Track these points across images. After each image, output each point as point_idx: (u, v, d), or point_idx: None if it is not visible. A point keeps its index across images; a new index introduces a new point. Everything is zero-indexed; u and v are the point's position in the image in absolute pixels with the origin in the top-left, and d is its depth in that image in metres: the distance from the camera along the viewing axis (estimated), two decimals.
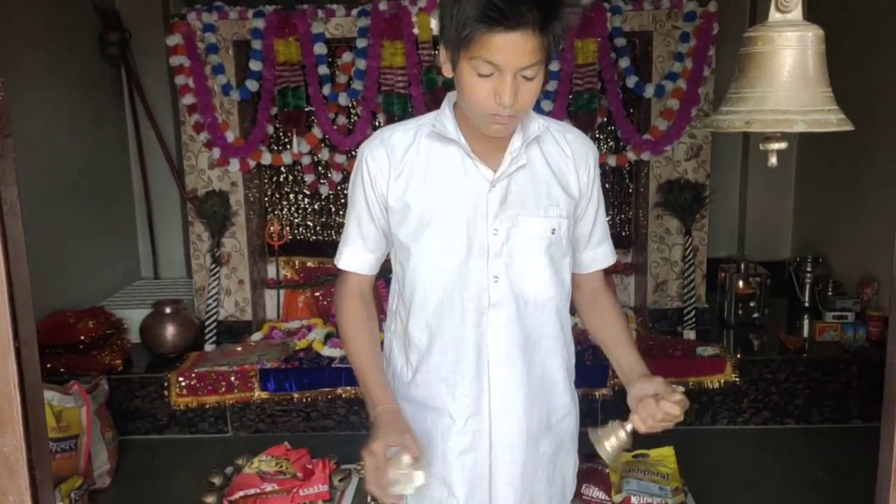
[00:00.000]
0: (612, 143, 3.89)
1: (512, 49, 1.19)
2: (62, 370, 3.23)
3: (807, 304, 3.89)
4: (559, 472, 1.55)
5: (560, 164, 1.45)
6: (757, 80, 1.01)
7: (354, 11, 3.47)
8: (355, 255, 1.49)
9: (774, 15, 1.02)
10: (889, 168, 3.49)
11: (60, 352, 3.30)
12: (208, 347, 3.57)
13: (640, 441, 1.42)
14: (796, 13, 1.01)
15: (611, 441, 1.31)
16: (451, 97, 1.43)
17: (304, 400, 3.30)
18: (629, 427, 1.31)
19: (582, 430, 1.49)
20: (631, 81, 3.53)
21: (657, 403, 1.28)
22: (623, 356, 1.46)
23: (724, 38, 3.59)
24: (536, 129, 1.41)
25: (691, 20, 3.45)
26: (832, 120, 0.98)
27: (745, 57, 1.03)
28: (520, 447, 1.45)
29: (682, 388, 1.31)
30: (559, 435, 1.52)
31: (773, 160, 1.04)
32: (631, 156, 3.61)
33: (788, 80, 0.99)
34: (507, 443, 1.45)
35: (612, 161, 3.64)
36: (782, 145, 1.03)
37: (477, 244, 1.39)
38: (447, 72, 1.31)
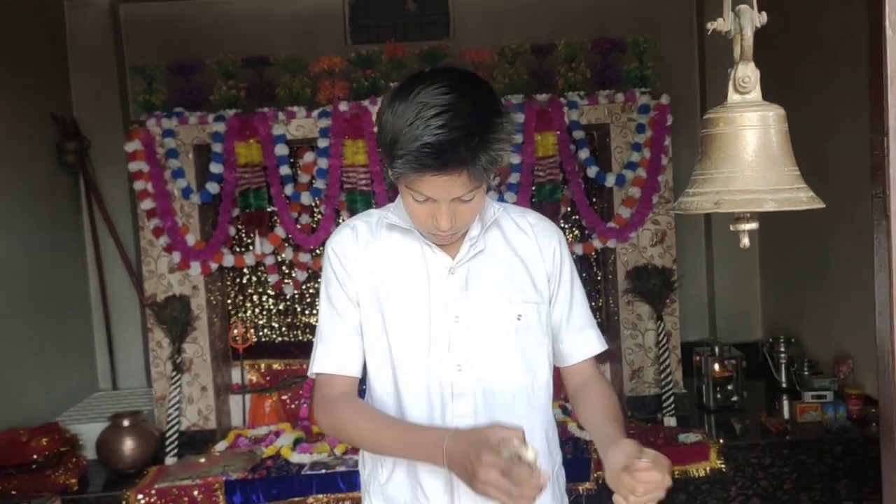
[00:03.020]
0: (577, 232, 3.91)
1: (444, 187, 1.22)
2: (13, 492, 3.03)
3: (784, 385, 3.85)
4: None
5: (523, 248, 1.42)
6: (722, 160, 1.00)
7: (315, 112, 3.51)
8: (334, 354, 1.40)
9: (733, 96, 1.02)
10: (853, 245, 3.53)
11: (12, 472, 3.10)
12: (169, 460, 3.38)
13: None
14: (755, 94, 1.01)
15: None
16: None
17: None
18: None
19: None
20: (592, 171, 3.58)
21: (630, 476, 1.15)
22: (599, 431, 1.35)
23: (678, 127, 3.69)
24: (493, 214, 1.41)
25: (646, 112, 3.54)
26: (802, 198, 0.96)
27: (708, 138, 1.02)
28: None
29: (652, 452, 1.18)
30: None
31: (746, 241, 1.02)
32: (597, 244, 3.62)
33: (754, 159, 0.98)
34: None
35: (578, 249, 3.66)
36: (753, 226, 1.01)
37: (437, 332, 1.35)
38: (396, 183, 1.32)
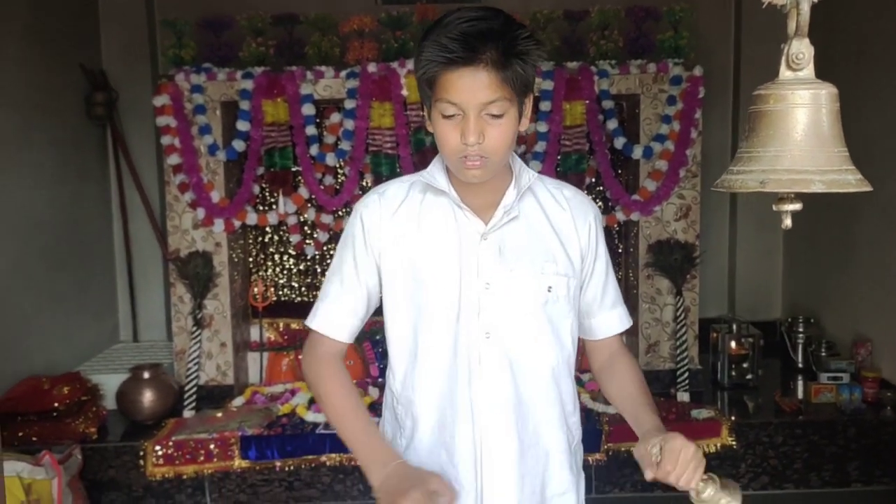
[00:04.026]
0: (601, 204, 3.88)
1: (469, 86, 1.21)
2: (34, 439, 3.09)
3: (800, 365, 3.84)
4: None
5: (558, 220, 1.41)
6: (770, 138, 0.98)
7: (343, 73, 3.48)
8: (332, 317, 1.42)
9: (785, 73, 0.99)
10: (878, 227, 3.50)
11: (33, 419, 3.16)
12: (187, 413, 3.44)
13: None
14: (808, 71, 0.98)
15: None
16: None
17: (286, 468, 3.17)
18: (709, 491, 1.19)
19: None
20: (619, 143, 3.55)
21: (678, 452, 1.20)
22: (641, 418, 1.36)
23: (709, 101, 3.63)
24: (528, 180, 1.39)
25: (677, 84, 3.49)
26: (850, 180, 0.94)
27: (756, 115, 1.00)
28: None
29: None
30: None
31: (788, 222, 1.00)
32: (620, 216, 3.60)
33: (803, 139, 0.96)
34: None
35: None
36: (797, 206, 0.99)
37: (467, 298, 1.34)
38: (430, 127, 1.32)
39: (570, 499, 1.43)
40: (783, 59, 0.99)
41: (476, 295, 1.34)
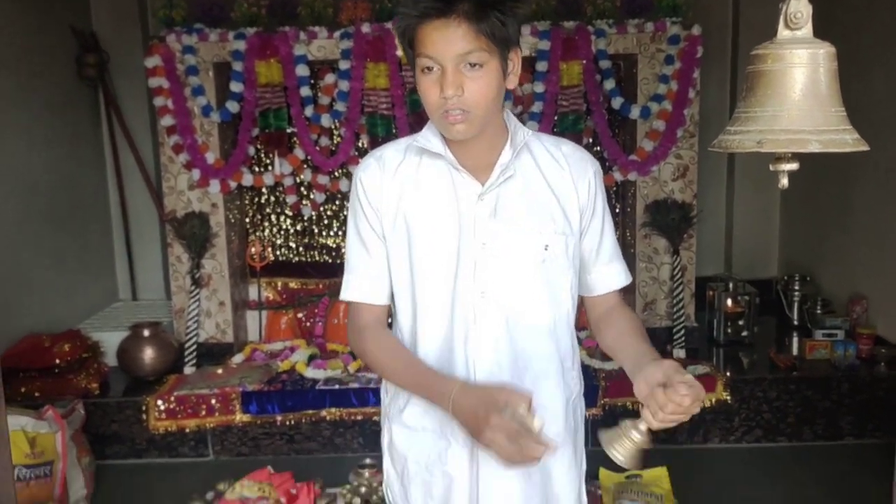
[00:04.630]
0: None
1: (444, 38, 1.22)
2: (37, 394, 3.14)
3: (796, 323, 3.88)
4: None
5: (556, 178, 1.40)
6: (767, 98, 0.98)
7: (337, 33, 3.44)
8: (363, 284, 1.42)
9: (783, 32, 0.99)
10: (877, 186, 3.50)
11: (35, 375, 3.20)
12: (188, 370, 3.48)
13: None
14: (806, 30, 0.98)
15: (623, 444, 1.19)
16: None
17: (287, 422, 3.22)
18: (642, 426, 1.18)
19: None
20: (616, 103, 3.53)
21: (665, 393, 1.16)
22: (631, 349, 1.35)
23: (707, 61, 3.60)
24: (523, 137, 1.38)
25: (675, 43, 3.46)
26: (847, 140, 0.95)
27: (754, 75, 1.00)
28: (507, 473, 1.37)
29: (691, 378, 1.18)
30: (550, 465, 1.44)
31: (784, 182, 1.01)
32: (618, 176, 3.60)
33: (800, 98, 0.96)
34: (494, 467, 1.35)
35: None
36: (793, 166, 1.00)
37: (464, 257, 1.35)
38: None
39: (567, 452, 1.46)
40: (781, 18, 0.99)
41: (472, 254, 1.35)
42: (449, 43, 1.21)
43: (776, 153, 0.99)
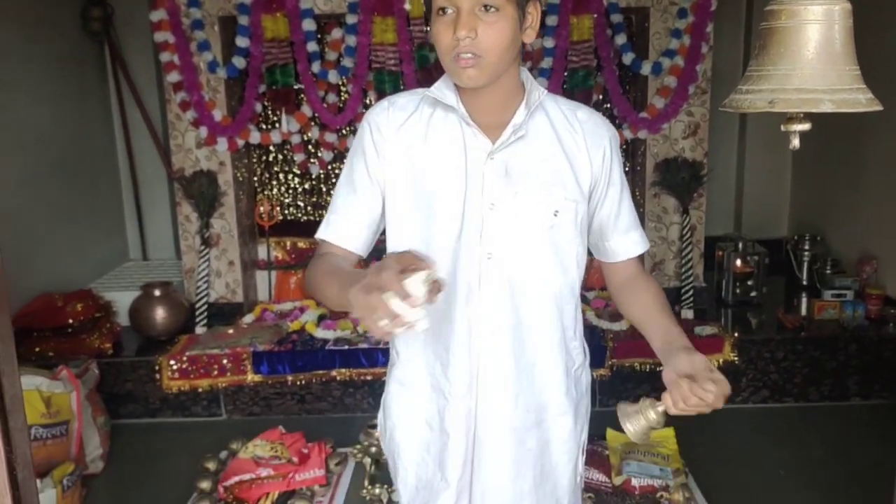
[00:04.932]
0: None
1: None
2: (50, 354, 3.18)
3: (805, 283, 3.87)
4: (549, 477, 1.45)
5: (570, 143, 1.36)
6: (780, 56, 0.96)
7: None
8: (342, 226, 1.38)
9: None
10: (890, 146, 3.45)
11: (49, 335, 3.24)
12: (199, 330, 3.51)
13: None
14: None
15: (639, 421, 1.21)
16: None
17: (297, 383, 3.25)
18: (660, 408, 1.20)
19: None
20: (627, 58, 3.47)
21: (690, 388, 1.17)
22: (659, 327, 1.35)
23: (721, 15, 3.52)
24: (539, 97, 1.35)
25: None
26: (861, 100, 0.93)
27: (768, 32, 0.98)
28: (503, 437, 1.39)
29: (721, 377, 1.19)
30: (548, 434, 1.43)
31: (796, 142, 0.99)
32: (627, 134, 3.55)
33: (814, 56, 0.94)
34: (491, 430, 1.39)
35: None
36: (805, 126, 0.98)
37: (470, 217, 1.32)
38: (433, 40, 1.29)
39: (567, 421, 1.44)
40: None
41: (479, 215, 1.32)
42: None
43: (788, 113, 0.97)
